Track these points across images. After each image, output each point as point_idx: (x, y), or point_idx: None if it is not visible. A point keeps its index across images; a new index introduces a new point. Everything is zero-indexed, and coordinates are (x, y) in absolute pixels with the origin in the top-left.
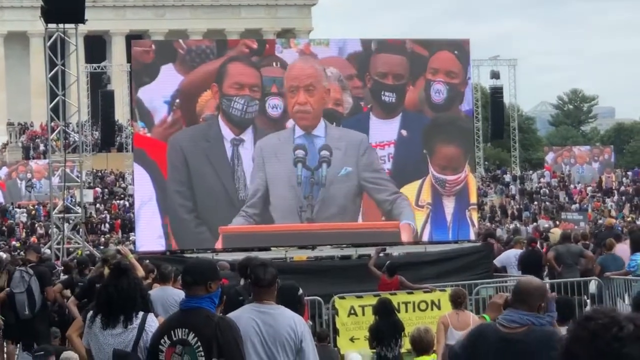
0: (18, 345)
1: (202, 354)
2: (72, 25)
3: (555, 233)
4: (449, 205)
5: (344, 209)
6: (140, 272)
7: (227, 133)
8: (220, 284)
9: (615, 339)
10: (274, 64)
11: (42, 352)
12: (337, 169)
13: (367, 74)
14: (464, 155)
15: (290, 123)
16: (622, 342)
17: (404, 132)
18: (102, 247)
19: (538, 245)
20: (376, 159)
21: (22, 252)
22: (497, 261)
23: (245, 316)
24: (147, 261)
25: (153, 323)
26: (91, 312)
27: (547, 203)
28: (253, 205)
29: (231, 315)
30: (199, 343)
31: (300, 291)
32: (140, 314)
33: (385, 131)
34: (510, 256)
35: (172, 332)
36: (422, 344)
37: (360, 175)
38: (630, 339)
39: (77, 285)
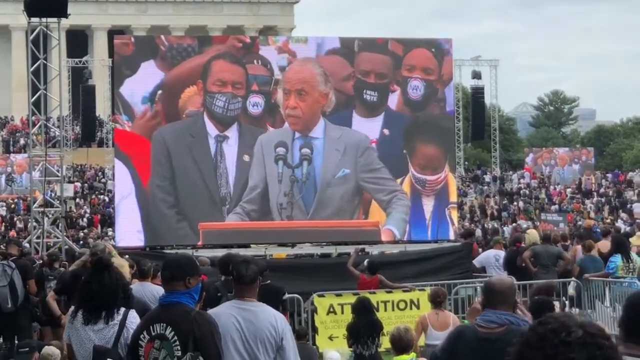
0: None
1: (179, 348)
2: (55, 20)
3: (531, 234)
4: (428, 204)
5: (340, 210)
6: (126, 269)
7: (211, 129)
8: (200, 280)
9: (563, 343)
10: (255, 61)
11: (27, 349)
12: (334, 170)
13: (351, 72)
14: (444, 155)
15: (277, 122)
16: (570, 346)
17: (386, 131)
18: (81, 242)
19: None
20: (375, 159)
21: (1, 246)
22: (477, 261)
23: (225, 313)
24: (127, 256)
25: (134, 319)
26: (73, 307)
27: (527, 204)
28: (251, 201)
29: (212, 311)
30: (175, 337)
31: (286, 296)
32: (122, 310)
33: (367, 129)
34: (490, 256)
35: (151, 327)
36: (401, 342)
37: (359, 176)
38: (578, 344)
39: (47, 279)
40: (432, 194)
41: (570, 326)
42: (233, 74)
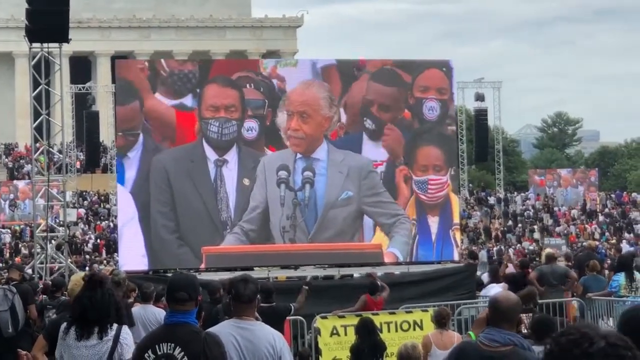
0: None
1: None
2: (56, 45)
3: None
4: (433, 224)
5: (341, 232)
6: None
7: (210, 154)
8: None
9: (585, 354)
10: (248, 85)
11: None
12: (337, 192)
13: (361, 97)
14: (445, 155)
15: (279, 145)
16: (591, 357)
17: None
18: (87, 268)
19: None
20: (378, 183)
21: (3, 272)
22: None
23: (224, 332)
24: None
25: (127, 335)
26: (65, 323)
27: (532, 225)
28: (250, 220)
29: (210, 330)
30: (185, 358)
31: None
32: (115, 326)
33: (377, 151)
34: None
35: (156, 346)
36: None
37: (362, 200)
38: (600, 356)
39: (46, 308)
40: (437, 210)
41: (593, 337)
42: (226, 97)
